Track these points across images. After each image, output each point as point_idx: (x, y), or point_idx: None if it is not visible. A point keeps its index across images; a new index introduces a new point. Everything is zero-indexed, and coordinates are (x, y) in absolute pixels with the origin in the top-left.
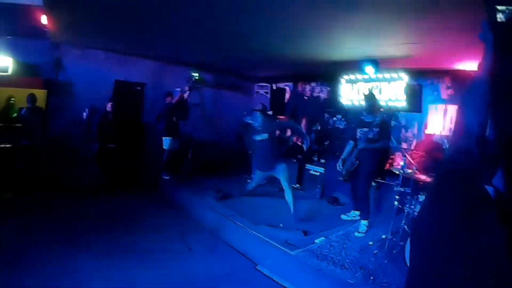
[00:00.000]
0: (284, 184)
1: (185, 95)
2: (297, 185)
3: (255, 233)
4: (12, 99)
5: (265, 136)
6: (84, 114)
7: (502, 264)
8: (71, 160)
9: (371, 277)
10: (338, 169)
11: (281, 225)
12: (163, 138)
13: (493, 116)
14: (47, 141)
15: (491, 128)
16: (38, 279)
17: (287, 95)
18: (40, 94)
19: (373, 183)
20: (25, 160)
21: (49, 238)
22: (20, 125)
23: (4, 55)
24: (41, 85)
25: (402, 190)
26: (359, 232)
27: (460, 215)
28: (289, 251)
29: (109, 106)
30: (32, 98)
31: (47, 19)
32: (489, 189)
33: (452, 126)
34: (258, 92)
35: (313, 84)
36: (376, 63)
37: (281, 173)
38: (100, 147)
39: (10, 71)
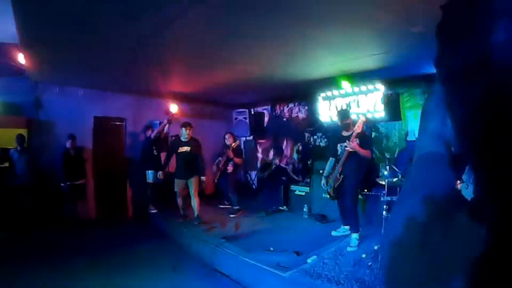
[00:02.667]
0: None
1: (165, 127)
2: (284, 206)
3: (246, 259)
4: None
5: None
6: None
7: (472, 266)
8: (55, 197)
9: None
10: (323, 187)
11: (271, 248)
12: (146, 171)
13: (452, 116)
14: (35, 180)
15: (453, 129)
16: None
17: (266, 118)
18: (23, 133)
19: (360, 196)
20: (16, 200)
21: (38, 273)
22: (7, 165)
23: None
24: (24, 125)
25: (389, 199)
26: (351, 247)
27: (433, 214)
28: (281, 274)
29: (68, 143)
30: (20, 138)
31: (24, 57)
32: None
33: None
34: (237, 118)
35: (291, 105)
36: (351, 77)
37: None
38: (68, 184)
39: None
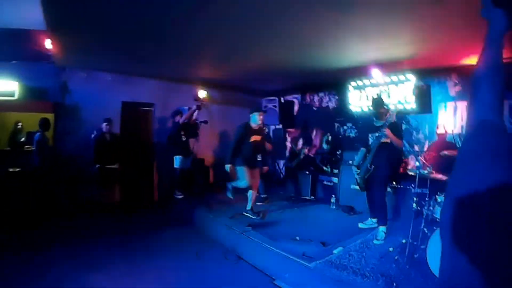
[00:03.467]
0: None
1: (194, 114)
2: (311, 196)
3: (271, 247)
4: (20, 123)
5: None
6: (92, 136)
7: None
8: (79, 182)
9: (394, 284)
10: (356, 177)
11: (297, 237)
12: (174, 157)
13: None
14: (57, 164)
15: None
16: None
17: (296, 107)
18: (49, 118)
19: (389, 189)
20: (39, 183)
21: (63, 258)
22: (33, 148)
23: (10, 80)
24: (50, 109)
25: (419, 191)
26: (378, 240)
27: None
28: (307, 264)
29: (104, 127)
30: (44, 122)
31: (51, 43)
32: None
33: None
34: (266, 106)
35: (321, 94)
36: (382, 66)
37: None
38: (99, 168)
39: (16, 96)
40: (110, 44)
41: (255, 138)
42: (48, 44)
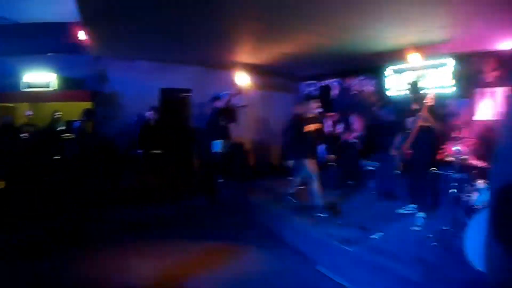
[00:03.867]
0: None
1: (233, 99)
2: (351, 181)
3: (313, 231)
4: (58, 113)
5: None
6: (134, 122)
7: None
8: (121, 168)
9: (431, 271)
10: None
11: (339, 222)
12: (214, 141)
13: None
14: (99, 152)
15: None
16: None
17: (335, 92)
18: (88, 106)
19: (428, 175)
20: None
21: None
22: (73, 136)
23: (47, 71)
24: (88, 98)
25: (459, 177)
26: (416, 226)
27: None
28: (347, 248)
29: (150, 114)
30: (87, 112)
31: (86, 34)
32: None
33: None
34: (305, 90)
35: (360, 78)
36: (421, 50)
37: None
38: (144, 154)
39: (54, 87)
40: (146, 32)
41: (311, 127)
42: (82, 35)
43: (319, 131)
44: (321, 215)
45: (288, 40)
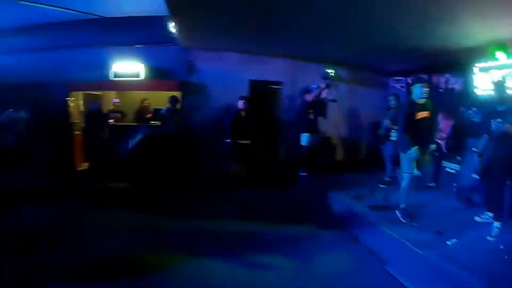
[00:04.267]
0: None
1: (323, 92)
2: (433, 183)
3: (388, 230)
4: (146, 101)
5: None
6: (222, 112)
7: None
8: (208, 156)
9: (501, 284)
10: (477, 165)
11: (414, 224)
12: (301, 134)
13: None
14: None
15: None
16: None
17: None
18: (176, 95)
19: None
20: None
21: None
22: (159, 123)
23: (136, 62)
24: (177, 88)
25: None
26: (491, 236)
27: None
28: (419, 251)
29: (241, 104)
30: (173, 100)
31: (175, 27)
32: None
33: None
34: (393, 86)
35: (447, 75)
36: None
37: None
38: (233, 143)
39: (142, 76)
40: (234, 25)
41: (422, 114)
42: (171, 27)
43: (429, 120)
44: (400, 215)
45: (376, 34)
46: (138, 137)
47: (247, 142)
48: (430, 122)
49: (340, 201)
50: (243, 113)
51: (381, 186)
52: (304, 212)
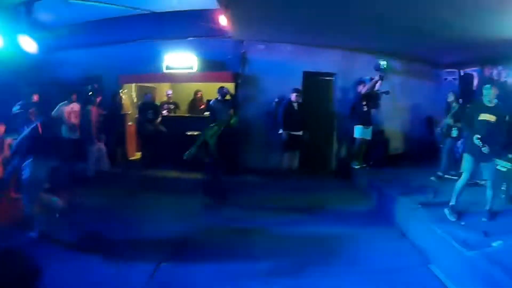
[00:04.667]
0: None
1: (377, 84)
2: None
3: (436, 228)
4: (199, 92)
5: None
6: (274, 103)
7: None
8: (259, 146)
9: None
10: None
11: (462, 222)
12: (355, 126)
13: None
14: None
15: None
16: None
17: (475, 81)
18: (229, 87)
19: None
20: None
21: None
22: (208, 113)
23: (189, 54)
24: (229, 79)
25: None
26: None
27: None
28: (465, 252)
29: (293, 96)
30: (222, 91)
31: (226, 20)
32: None
33: None
34: (446, 79)
35: (500, 67)
36: None
37: None
38: (286, 134)
39: (195, 69)
40: (287, 16)
41: (486, 117)
42: (222, 20)
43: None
44: (448, 213)
45: (428, 24)
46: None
47: (300, 133)
48: (497, 129)
49: (391, 195)
50: (295, 105)
51: (434, 180)
52: (355, 205)
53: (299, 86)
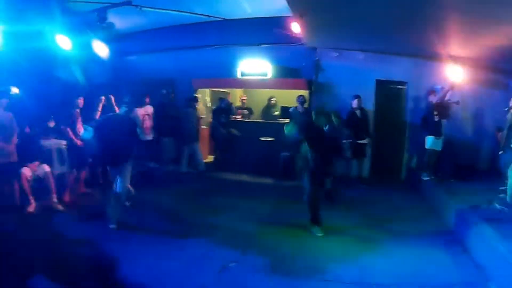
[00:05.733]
0: None
1: (448, 93)
2: None
3: (497, 244)
4: (273, 99)
5: None
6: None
7: None
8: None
9: None
10: None
11: None
12: (426, 137)
13: None
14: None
15: None
16: None
17: None
18: (303, 94)
19: None
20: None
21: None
22: (287, 121)
23: (263, 61)
24: (304, 86)
25: None
26: None
27: None
28: None
29: (354, 103)
30: (302, 99)
31: (299, 27)
32: None
33: None
34: None
35: None
36: None
37: None
38: (351, 143)
39: (270, 75)
40: (359, 24)
41: None
42: (295, 27)
43: None
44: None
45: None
46: None
47: (365, 141)
48: None
49: (458, 210)
50: (358, 112)
51: (501, 196)
52: (421, 219)
53: (372, 94)
